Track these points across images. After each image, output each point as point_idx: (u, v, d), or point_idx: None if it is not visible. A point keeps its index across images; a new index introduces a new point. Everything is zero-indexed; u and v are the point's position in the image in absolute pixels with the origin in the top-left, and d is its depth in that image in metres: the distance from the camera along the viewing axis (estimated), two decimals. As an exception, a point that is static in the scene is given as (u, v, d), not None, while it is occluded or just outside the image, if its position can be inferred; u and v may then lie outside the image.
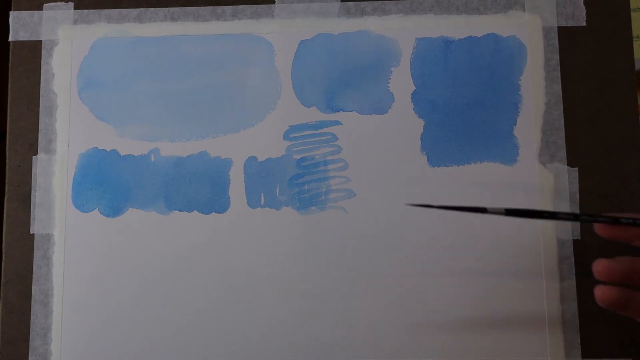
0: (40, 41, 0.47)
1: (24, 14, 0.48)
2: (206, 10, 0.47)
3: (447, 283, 0.44)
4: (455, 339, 0.43)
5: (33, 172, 0.46)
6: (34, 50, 0.47)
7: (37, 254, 0.45)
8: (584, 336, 0.43)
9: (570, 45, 0.46)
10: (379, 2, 0.47)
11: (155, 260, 0.45)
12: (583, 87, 0.46)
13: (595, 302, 0.33)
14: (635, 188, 0.45)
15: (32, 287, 0.45)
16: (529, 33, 0.46)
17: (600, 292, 0.33)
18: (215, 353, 0.44)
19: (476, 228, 0.44)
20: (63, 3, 0.48)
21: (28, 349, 0.44)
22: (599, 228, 0.35)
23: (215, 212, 0.45)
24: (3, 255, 0.45)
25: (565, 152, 0.45)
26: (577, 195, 0.44)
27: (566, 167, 0.45)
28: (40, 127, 0.46)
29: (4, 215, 0.46)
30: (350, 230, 0.45)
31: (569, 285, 0.44)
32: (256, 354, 0.44)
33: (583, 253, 0.44)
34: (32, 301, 0.45)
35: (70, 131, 0.46)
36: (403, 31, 0.47)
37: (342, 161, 0.45)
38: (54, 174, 0.46)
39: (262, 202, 0.45)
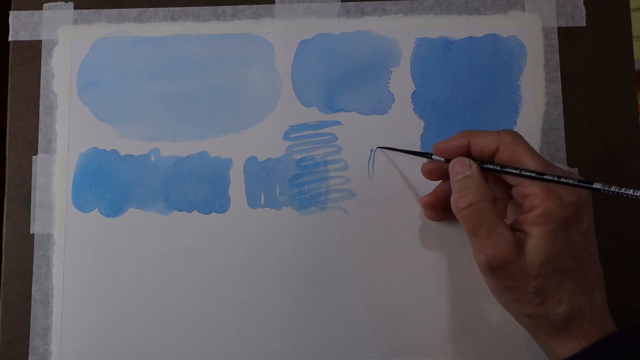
0: (40, 41, 0.47)
1: (24, 13, 0.48)
2: (206, 10, 0.47)
3: (447, 283, 0.44)
4: (455, 339, 0.43)
5: (33, 172, 0.46)
6: (34, 50, 0.47)
7: (37, 254, 0.45)
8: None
9: (570, 45, 0.46)
10: (379, 2, 0.47)
11: (155, 260, 0.45)
12: (583, 87, 0.46)
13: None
14: (635, 188, 0.45)
15: (32, 287, 0.45)
16: (529, 33, 0.46)
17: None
18: (215, 353, 0.44)
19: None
20: (63, 3, 0.48)
21: (28, 349, 0.44)
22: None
23: (215, 212, 0.45)
24: (3, 255, 0.45)
25: (565, 152, 0.45)
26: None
27: (566, 167, 0.45)
28: (40, 127, 0.46)
29: (4, 215, 0.46)
30: (350, 230, 0.45)
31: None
32: (256, 354, 0.44)
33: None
34: (32, 301, 0.45)
35: (70, 131, 0.46)
36: (403, 31, 0.47)
37: (342, 161, 0.45)
38: (54, 174, 0.46)
39: (262, 202, 0.45)
